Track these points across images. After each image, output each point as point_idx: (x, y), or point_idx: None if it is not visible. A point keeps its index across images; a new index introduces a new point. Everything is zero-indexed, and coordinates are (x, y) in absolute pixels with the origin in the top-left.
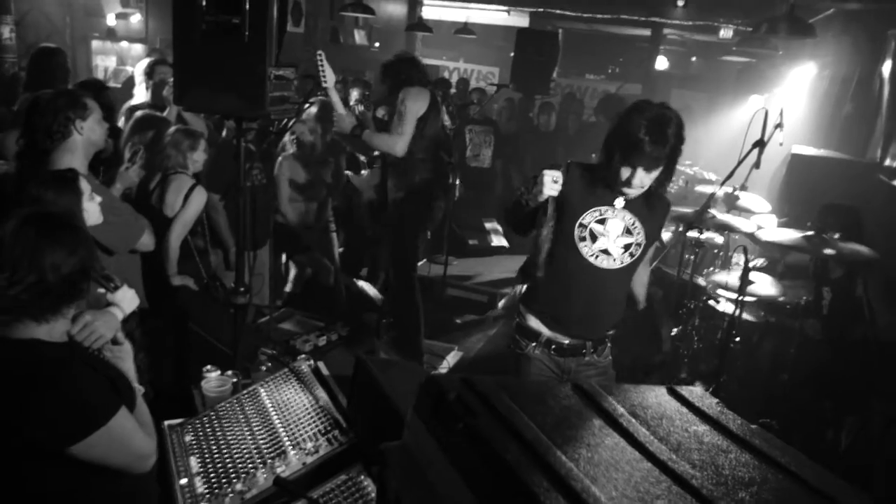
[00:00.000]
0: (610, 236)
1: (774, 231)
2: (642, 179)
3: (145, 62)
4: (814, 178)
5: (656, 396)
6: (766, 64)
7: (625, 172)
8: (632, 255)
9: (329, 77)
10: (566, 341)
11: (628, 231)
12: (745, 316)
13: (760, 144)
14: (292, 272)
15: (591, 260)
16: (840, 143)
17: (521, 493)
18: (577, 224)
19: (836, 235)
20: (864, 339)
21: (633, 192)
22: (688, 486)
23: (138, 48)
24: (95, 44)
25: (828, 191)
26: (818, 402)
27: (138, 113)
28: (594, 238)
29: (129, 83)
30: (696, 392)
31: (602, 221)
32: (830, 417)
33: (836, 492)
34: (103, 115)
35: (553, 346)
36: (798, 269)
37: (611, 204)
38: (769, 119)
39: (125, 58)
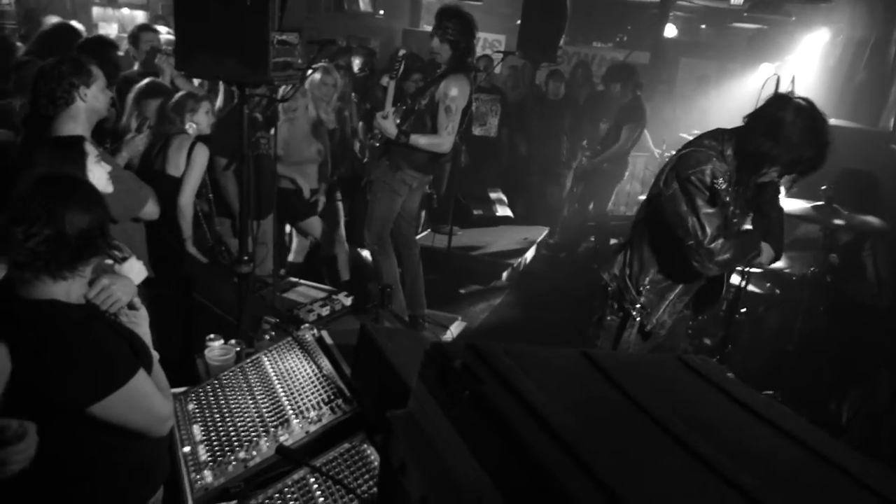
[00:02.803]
0: None
1: (784, 201)
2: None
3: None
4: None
5: (663, 362)
6: (777, 30)
7: (773, 175)
8: None
9: (388, 106)
10: None
11: None
12: (751, 287)
13: None
14: (295, 241)
15: None
16: (852, 111)
17: (528, 462)
18: None
19: (850, 204)
20: (870, 306)
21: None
22: (693, 451)
23: (140, 15)
24: (96, 10)
25: (838, 160)
26: (823, 374)
27: (143, 82)
28: None
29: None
30: (705, 361)
31: None
32: (835, 389)
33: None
34: (108, 73)
35: None
36: (806, 241)
37: None
38: (780, 87)
39: (127, 25)
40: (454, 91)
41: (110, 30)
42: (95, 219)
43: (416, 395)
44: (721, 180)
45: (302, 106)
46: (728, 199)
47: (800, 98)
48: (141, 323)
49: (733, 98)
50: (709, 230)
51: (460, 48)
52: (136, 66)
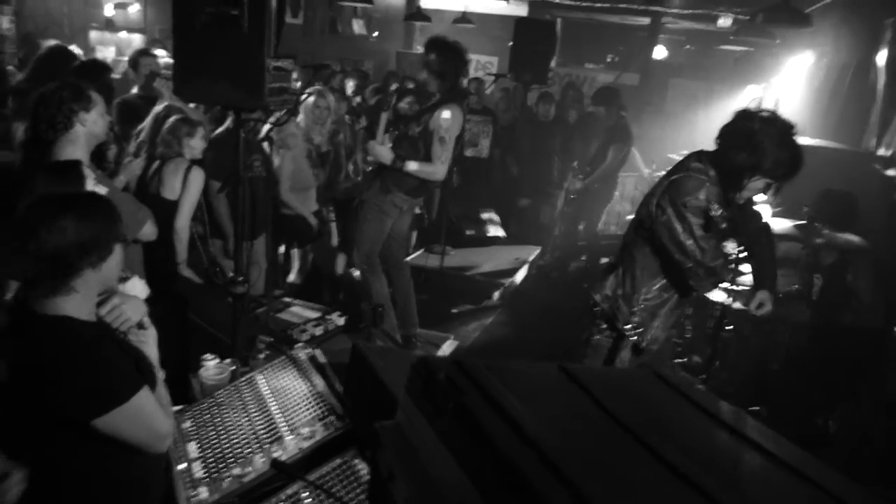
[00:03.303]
0: None
1: (768, 220)
2: (760, 185)
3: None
4: (809, 167)
5: (637, 376)
6: (763, 53)
7: (756, 184)
8: None
9: (380, 134)
10: None
11: None
12: (737, 305)
13: None
14: (296, 263)
15: None
16: (836, 132)
17: (508, 469)
18: None
19: (829, 223)
20: (854, 325)
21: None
22: (664, 461)
23: (137, 38)
24: (94, 34)
25: (823, 181)
26: (809, 390)
27: (158, 108)
28: None
29: (128, 74)
30: (677, 374)
31: None
32: (820, 405)
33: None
34: (104, 96)
35: None
36: (789, 259)
37: None
38: (763, 107)
39: (124, 48)
40: (448, 121)
41: (108, 53)
42: (94, 228)
43: (402, 407)
44: (717, 206)
45: (299, 133)
46: (724, 222)
47: (762, 110)
48: (149, 342)
49: (721, 118)
50: (708, 251)
51: (447, 79)
52: (134, 90)
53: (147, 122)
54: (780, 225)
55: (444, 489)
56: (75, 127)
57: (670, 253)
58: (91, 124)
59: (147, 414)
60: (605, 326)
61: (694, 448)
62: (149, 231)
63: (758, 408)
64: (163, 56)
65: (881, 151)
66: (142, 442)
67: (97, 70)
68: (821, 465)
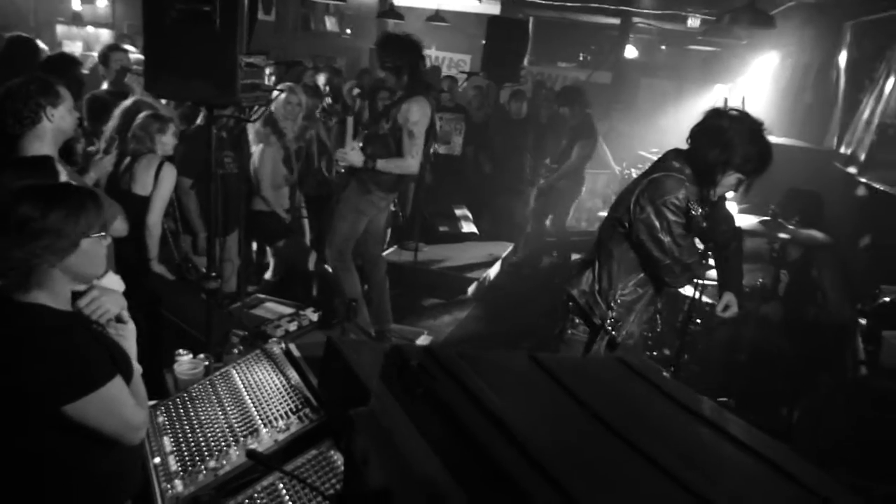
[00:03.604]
0: None
1: (734, 216)
2: (732, 182)
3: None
4: (774, 164)
5: (603, 363)
6: (730, 53)
7: (730, 179)
8: None
9: (348, 141)
10: None
11: None
12: (705, 299)
13: None
14: (273, 260)
15: None
16: (801, 131)
17: (478, 451)
18: None
19: (795, 220)
20: (818, 319)
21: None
22: (630, 443)
23: (105, 33)
24: (61, 28)
25: (788, 178)
26: (774, 382)
27: (126, 102)
28: None
29: (97, 70)
30: (643, 362)
31: None
32: (785, 395)
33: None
34: (73, 91)
35: None
36: (756, 254)
37: None
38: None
39: (92, 43)
40: (415, 115)
41: (75, 48)
42: (64, 215)
43: (376, 393)
44: (696, 205)
45: (288, 128)
46: (703, 225)
47: (732, 108)
48: (128, 336)
49: (690, 117)
50: (685, 248)
51: (402, 73)
52: (104, 85)
53: (115, 116)
54: (746, 221)
55: (417, 471)
56: (42, 122)
57: (648, 250)
58: (59, 119)
59: (119, 403)
60: (578, 321)
61: (658, 431)
62: (119, 227)
63: (725, 399)
64: (132, 51)
65: (842, 150)
66: (114, 432)
67: (66, 64)
68: (789, 453)
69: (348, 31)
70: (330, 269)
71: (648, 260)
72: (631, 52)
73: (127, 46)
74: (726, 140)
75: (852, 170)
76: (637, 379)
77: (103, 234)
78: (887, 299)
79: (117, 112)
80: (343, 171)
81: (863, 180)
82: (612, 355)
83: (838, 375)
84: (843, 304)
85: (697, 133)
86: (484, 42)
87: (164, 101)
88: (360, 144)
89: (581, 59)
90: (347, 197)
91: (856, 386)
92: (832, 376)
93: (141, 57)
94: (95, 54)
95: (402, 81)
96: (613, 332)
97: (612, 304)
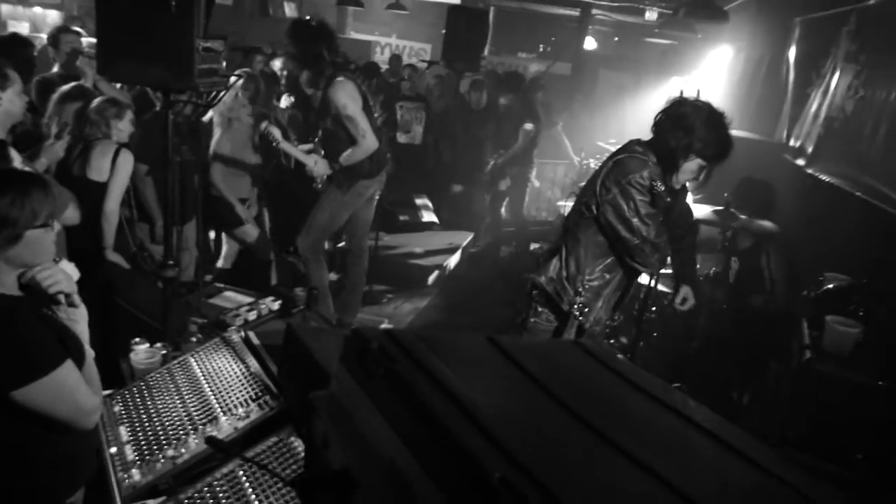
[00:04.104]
0: None
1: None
2: (694, 168)
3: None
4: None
5: (558, 345)
6: (687, 46)
7: (692, 164)
8: None
9: (302, 157)
10: None
11: None
12: (661, 287)
13: None
14: (224, 248)
15: None
16: (752, 123)
17: (437, 430)
18: None
19: (748, 210)
20: (764, 308)
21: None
22: (581, 419)
23: (53, 14)
24: (6, 8)
25: (740, 169)
26: (724, 367)
27: (65, 87)
28: None
29: (44, 52)
30: (599, 345)
31: None
32: (735, 380)
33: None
34: (23, 74)
35: None
36: (709, 243)
37: None
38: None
39: (39, 25)
40: (342, 99)
41: (21, 28)
42: (9, 202)
43: (336, 375)
44: (659, 183)
45: (244, 115)
46: (667, 199)
47: (694, 98)
48: (79, 320)
49: (648, 109)
50: (653, 227)
51: (310, 61)
52: (55, 69)
53: (53, 101)
54: (701, 211)
55: (377, 451)
56: None
57: (617, 231)
58: (7, 103)
59: (70, 388)
60: (541, 310)
61: (610, 408)
62: (71, 215)
63: (678, 385)
64: (84, 35)
65: (792, 142)
66: (65, 417)
67: (15, 45)
68: (739, 432)
69: (307, 17)
70: (290, 259)
71: (617, 242)
72: (590, 43)
73: (77, 29)
74: (688, 125)
75: (800, 162)
76: (591, 360)
77: (50, 224)
78: (831, 286)
79: (55, 97)
80: (321, 185)
81: (810, 172)
82: (568, 339)
83: (785, 360)
84: (789, 292)
85: (661, 120)
86: (444, 31)
87: (118, 86)
88: (322, 151)
89: (541, 50)
90: (332, 190)
91: (800, 370)
92: (779, 362)
93: (93, 40)
94: (43, 36)
95: (315, 69)
96: (581, 318)
97: (580, 290)
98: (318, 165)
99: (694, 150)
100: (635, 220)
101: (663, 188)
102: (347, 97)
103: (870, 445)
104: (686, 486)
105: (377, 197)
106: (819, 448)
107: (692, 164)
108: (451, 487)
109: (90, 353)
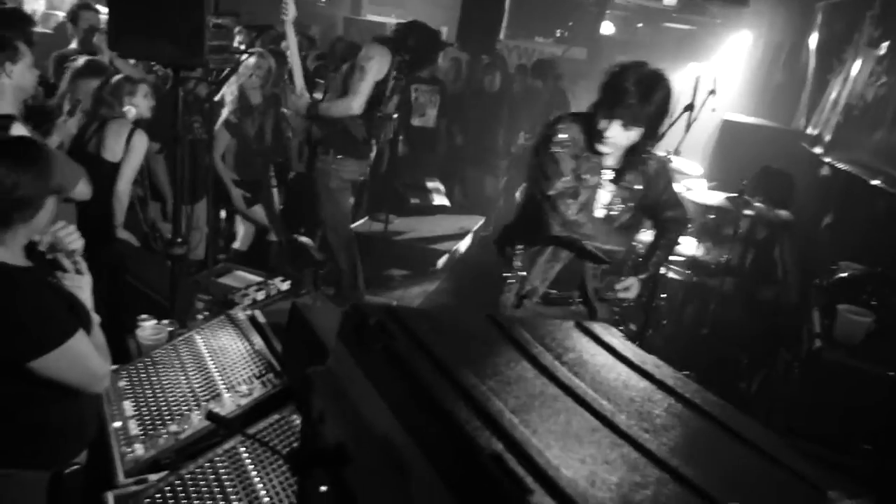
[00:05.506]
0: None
1: (701, 193)
2: (618, 135)
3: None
4: (743, 144)
5: (564, 328)
6: (705, 31)
7: (603, 124)
8: None
9: (290, 10)
10: None
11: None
12: (671, 275)
13: (689, 108)
14: (241, 230)
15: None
16: (770, 111)
17: (430, 404)
18: None
19: (760, 198)
20: (776, 299)
21: (608, 148)
22: (577, 397)
23: None
24: None
25: (756, 157)
26: (734, 355)
27: (77, 63)
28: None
29: (61, 29)
30: (601, 325)
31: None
32: (744, 369)
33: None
34: None
35: None
36: (722, 231)
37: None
38: (700, 85)
39: (57, 2)
40: (372, 53)
41: (37, 5)
42: (28, 180)
43: (334, 351)
44: (565, 136)
45: (255, 95)
46: (573, 160)
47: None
48: (84, 287)
49: None
50: (552, 179)
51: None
52: (73, 45)
53: (64, 78)
54: (713, 198)
55: (372, 426)
56: (1, 79)
57: (531, 191)
58: (18, 76)
59: (83, 356)
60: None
61: (610, 389)
62: (82, 190)
63: (687, 372)
64: (103, 12)
65: (809, 130)
66: (80, 383)
67: (16, 20)
68: (742, 417)
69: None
70: (302, 240)
71: (531, 201)
72: (607, 28)
73: (97, 6)
74: (600, 85)
75: (818, 150)
76: (587, 339)
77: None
78: (844, 275)
79: (68, 74)
80: (291, 136)
81: (827, 160)
82: (570, 321)
83: (795, 349)
84: (801, 282)
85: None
86: (459, 14)
87: (132, 63)
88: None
89: (558, 34)
90: (324, 184)
91: (810, 358)
92: (789, 350)
93: None
94: (59, 13)
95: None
96: (515, 282)
97: (517, 252)
98: (301, 99)
99: (601, 109)
100: (542, 177)
101: (564, 136)
102: (378, 58)
103: (878, 435)
104: (695, 476)
105: (360, 178)
106: (827, 437)
107: (612, 128)
108: (445, 463)
109: (96, 318)
